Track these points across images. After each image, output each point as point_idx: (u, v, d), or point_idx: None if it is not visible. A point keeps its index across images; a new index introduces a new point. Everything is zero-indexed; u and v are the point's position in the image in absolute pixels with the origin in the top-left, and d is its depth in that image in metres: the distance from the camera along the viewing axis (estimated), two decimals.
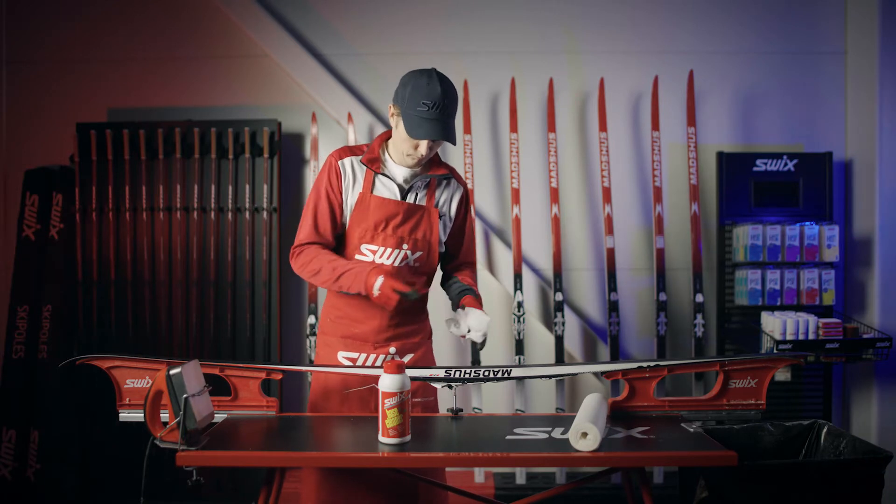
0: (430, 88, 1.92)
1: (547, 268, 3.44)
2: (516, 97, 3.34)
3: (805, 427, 2.02)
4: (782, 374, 3.09)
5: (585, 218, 3.47)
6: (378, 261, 2.05)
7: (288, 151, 3.43)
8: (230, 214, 3.27)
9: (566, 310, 3.30)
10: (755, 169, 3.28)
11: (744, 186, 3.28)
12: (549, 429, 1.79)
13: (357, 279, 1.96)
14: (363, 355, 2.07)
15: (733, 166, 3.29)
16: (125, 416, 1.87)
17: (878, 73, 3.32)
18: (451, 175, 2.13)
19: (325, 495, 2.01)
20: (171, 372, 1.59)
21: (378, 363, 2.06)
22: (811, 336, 2.95)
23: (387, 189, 2.06)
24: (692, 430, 1.77)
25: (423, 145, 1.97)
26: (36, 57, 3.47)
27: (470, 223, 2.23)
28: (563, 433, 1.73)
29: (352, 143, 3.31)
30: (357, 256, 2.06)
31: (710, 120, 3.45)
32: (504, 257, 3.36)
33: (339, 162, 2.06)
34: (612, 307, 3.28)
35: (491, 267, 3.38)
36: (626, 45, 3.46)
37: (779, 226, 3.17)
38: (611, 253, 3.28)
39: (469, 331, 1.97)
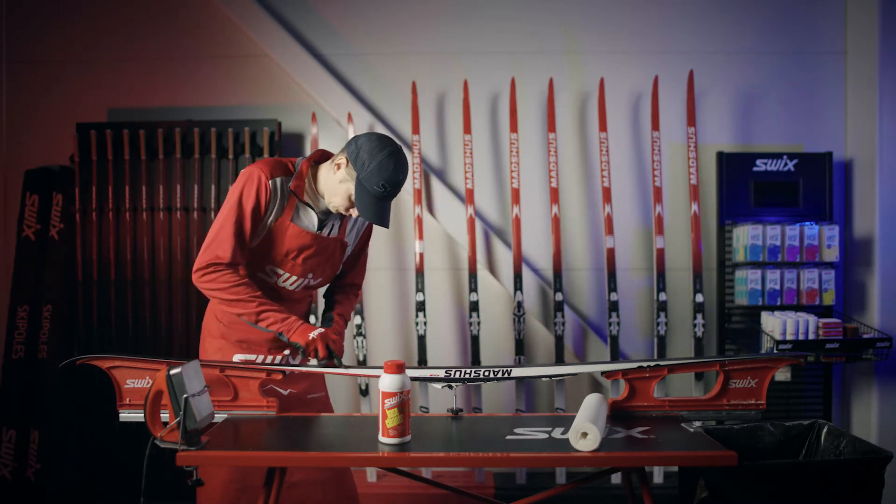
0: (395, 174, 1.94)
1: (547, 268, 3.44)
2: (516, 97, 3.34)
3: (805, 427, 2.03)
4: (782, 374, 3.09)
5: (585, 218, 3.47)
6: (280, 284, 2.10)
7: (288, 151, 3.42)
8: None
9: (566, 310, 3.30)
10: (755, 169, 3.28)
11: (744, 186, 3.28)
12: (549, 429, 1.79)
13: (285, 325, 1.99)
14: (260, 356, 2.11)
15: (733, 166, 3.29)
16: (125, 416, 1.87)
17: (878, 73, 3.32)
18: None
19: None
20: (171, 372, 1.59)
21: (276, 362, 2.10)
22: (811, 336, 2.95)
23: (306, 218, 2.07)
24: (692, 430, 1.77)
25: (357, 210, 2.01)
26: (36, 57, 3.47)
27: (366, 252, 2.30)
28: (563, 433, 1.73)
29: None
30: (258, 275, 2.08)
31: (710, 120, 3.45)
32: (504, 257, 3.36)
33: (271, 181, 2.01)
34: (612, 307, 3.28)
35: (491, 267, 3.38)
36: (626, 45, 3.46)
37: (779, 226, 3.17)
38: (611, 253, 3.28)
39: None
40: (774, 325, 2.98)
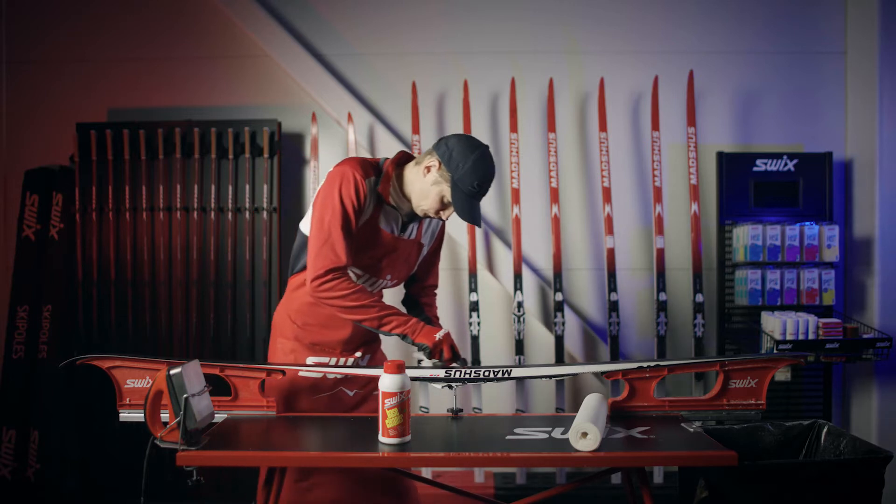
0: (488, 173, 1.96)
1: (547, 268, 3.44)
2: (516, 97, 3.34)
3: (805, 427, 2.02)
4: (782, 374, 3.09)
5: (585, 218, 3.47)
6: (358, 283, 2.05)
7: (288, 151, 3.43)
8: (230, 214, 3.27)
9: (566, 310, 3.30)
10: (755, 169, 3.28)
11: (744, 186, 3.28)
12: (549, 429, 1.79)
13: (409, 328, 1.95)
14: (333, 359, 2.10)
15: (733, 166, 3.29)
16: (125, 416, 1.87)
17: (878, 73, 3.32)
18: None
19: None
20: (172, 372, 1.59)
21: (348, 363, 2.10)
22: (811, 336, 2.95)
23: (391, 220, 2.05)
24: (692, 430, 1.77)
25: (447, 213, 2.00)
26: (36, 57, 3.47)
27: (440, 253, 2.28)
28: (563, 433, 1.73)
29: (351, 143, 3.31)
30: None
31: (710, 120, 3.45)
32: (504, 257, 3.36)
33: (366, 181, 1.96)
34: (612, 307, 3.28)
35: (491, 267, 3.38)
36: (626, 45, 3.46)
37: (779, 226, 3.17)
38: (611, 253, 3.28)
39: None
40: (774, 325, 2.98)
